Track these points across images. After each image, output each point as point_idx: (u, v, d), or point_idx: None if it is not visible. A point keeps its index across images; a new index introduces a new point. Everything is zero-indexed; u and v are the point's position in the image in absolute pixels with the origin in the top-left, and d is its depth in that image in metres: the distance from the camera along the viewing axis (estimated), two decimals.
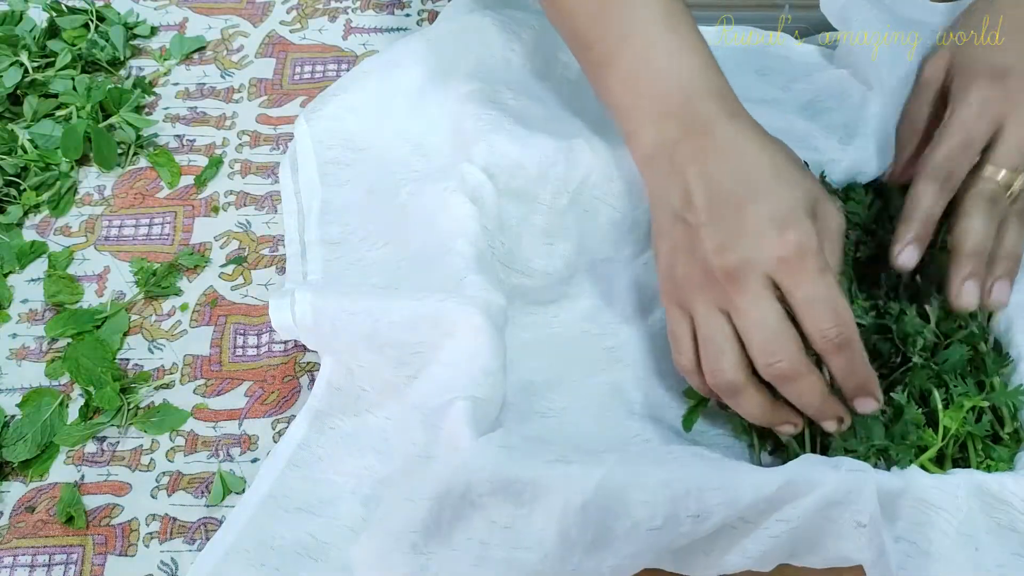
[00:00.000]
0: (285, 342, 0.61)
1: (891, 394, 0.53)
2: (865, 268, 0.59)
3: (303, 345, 0.60)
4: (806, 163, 0.62)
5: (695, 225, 0.49)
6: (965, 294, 0.51)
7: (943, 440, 0.52)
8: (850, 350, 0.48)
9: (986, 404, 0.53)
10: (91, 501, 0.55)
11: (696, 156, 0.50)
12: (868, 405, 0.49)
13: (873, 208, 0.61)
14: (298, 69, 0.76)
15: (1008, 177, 0.52)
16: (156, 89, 0.74)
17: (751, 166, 0.49)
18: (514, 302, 0.59)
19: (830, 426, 0.50)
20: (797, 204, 0.48)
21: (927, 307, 0.53)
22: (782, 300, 0.48)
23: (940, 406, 0.52)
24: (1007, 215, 0.53)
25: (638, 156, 0.54)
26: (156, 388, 0.60)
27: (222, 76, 0.76)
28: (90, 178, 0.70)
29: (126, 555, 0.53)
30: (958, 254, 0.52)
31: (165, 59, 0.76)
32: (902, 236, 0.52)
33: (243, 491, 0.55)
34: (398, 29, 0.78)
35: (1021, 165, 0.52)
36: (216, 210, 0.68)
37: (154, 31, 0.78)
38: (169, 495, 0.56)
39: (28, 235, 0.66)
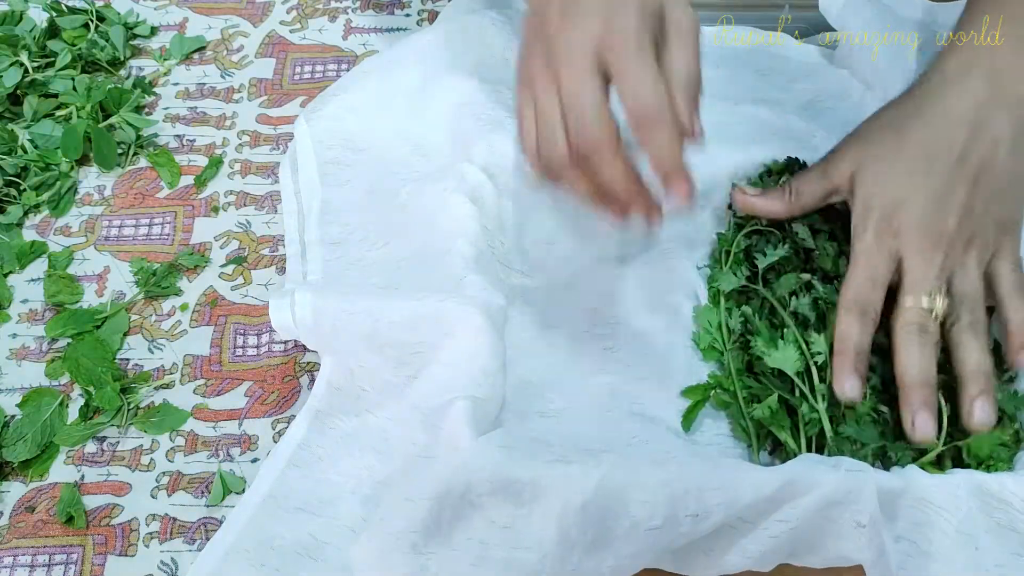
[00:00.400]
0: (285, 342, 0.61)
1: (893, 403, 0.53)
2: None
3: (303, 345, 0.60)
4: (803, 163, 0.62)
5: (546, 10, 0.51)
6: (920, 427, 0.51)
7: (944, 444, 0.52)
8: (659, 130, 0.48)
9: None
10: (91, 501, 0.55)
11: None
12: (679, 191, 0.48)
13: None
14: (298, 69, 0.76)
15: (928, 303, 0.52)
16: (156, 89, 0.74)
17: None
18: (514, 302, 0.59)
19: (644, 219, 0.52)
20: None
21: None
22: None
23: (945, 410, 0.52)
24: (957, 334, 0.53)
25: None
26: (156, 388, 0.60)
27: (222, 76, 0.76)
28: (90, 178, 0.70)
29: (126, 555, 0.53)
30: (903, 390, 0.52)
31: (165, 59, 0.76)
32: (839, 370, 0.53)
33: (243, 491, 0.55)
34: (398, 29, 0.78)
35: (933, 288, 0.53)
36: (216, 210, 0.68)
37: (154, 31, 0.78)
38: (169, 495, 0.56)
39: (28, 235, 0.66)
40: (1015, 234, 0.54)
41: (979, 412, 0.51)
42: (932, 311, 0.52)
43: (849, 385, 0.52)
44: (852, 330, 0.53)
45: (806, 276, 0.58)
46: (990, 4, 0.55)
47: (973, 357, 0.52)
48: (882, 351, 0.55)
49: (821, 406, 0.53)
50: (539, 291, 0.61)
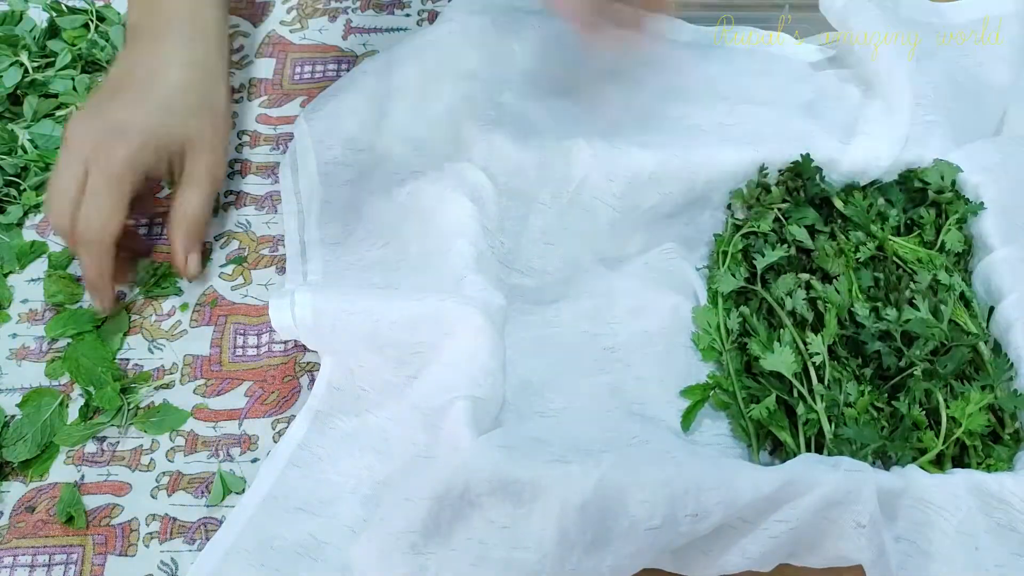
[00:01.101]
0: (285, 342, 0.61)
1: (892, 402, 0.53)
2: (865, 269, 0.59)
3: (303, 345, 0.60)
4: (811, 160, 0.62)
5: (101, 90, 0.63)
6: None
7: (944, 442, 0.52)
8: (92, 252, 0.58)
9: (992, 400, 0.53)
10: (91, 501, 0.55)
11: (131, 51, 0.64)
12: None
13: (873, 209, 0.61)
14: (298, 69, 0.76)
15: None
16: None
17: (150, 83, 0.61)
18: (514, 302, 0.59)
19: (96, 303, 0.61)
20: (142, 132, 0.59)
21: None
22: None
23: (943, 406, 0.52)
24: None
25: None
26: (156, 388, 0.60)
27: None
28: None
29: (126, 555, 0.53)
30: None
31: None
32: None
33: (243, 491, 0.55)
34: (398, 29, 0.78)
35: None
36: (216, 210, 0.68)
37: None
38: (169, 495, 0.56)
39: (28, 235, 0.66)
40: None
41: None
42: None
43: None
44: None
45: (805, 276, 0.58)
46: None
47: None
48: (885, 339, 0.55)
49: (820, 406, 0.53)
50: (539, 291, 0.61)
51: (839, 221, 0.62)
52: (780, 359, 0.54)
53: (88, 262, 0.59)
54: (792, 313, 0.56)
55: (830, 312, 0.55)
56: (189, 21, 0.65)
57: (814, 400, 0.53)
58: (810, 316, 0.56)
